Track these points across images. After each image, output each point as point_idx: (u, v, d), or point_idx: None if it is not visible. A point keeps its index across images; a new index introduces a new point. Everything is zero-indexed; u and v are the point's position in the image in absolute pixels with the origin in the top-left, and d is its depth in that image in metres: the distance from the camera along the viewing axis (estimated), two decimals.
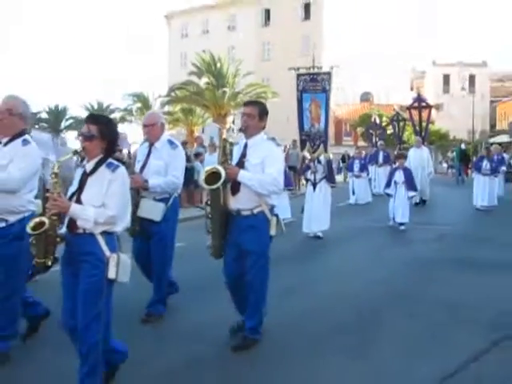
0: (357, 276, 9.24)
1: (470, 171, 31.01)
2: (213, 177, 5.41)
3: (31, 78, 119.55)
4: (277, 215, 5.75)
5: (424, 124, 25.12)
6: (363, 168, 21.75)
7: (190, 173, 17.00)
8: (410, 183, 13.92)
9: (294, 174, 23.66)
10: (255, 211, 5.59)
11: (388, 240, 13.06)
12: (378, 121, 31.65)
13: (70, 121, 54.89)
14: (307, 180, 13.18)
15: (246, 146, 5.75)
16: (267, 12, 60.66)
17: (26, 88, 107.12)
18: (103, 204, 4.33)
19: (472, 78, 62.69)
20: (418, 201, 18.16)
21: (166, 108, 44.61)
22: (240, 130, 5.82)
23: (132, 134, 19.29)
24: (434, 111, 30.62)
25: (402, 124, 30.51)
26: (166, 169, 6.55)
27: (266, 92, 37.12)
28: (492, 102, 66.39)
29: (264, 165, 5.55)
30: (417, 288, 8.44)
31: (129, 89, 65.95)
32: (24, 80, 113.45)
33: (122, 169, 4.49)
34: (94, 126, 4.46)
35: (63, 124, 54.66)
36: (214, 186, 5.40)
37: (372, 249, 11.79)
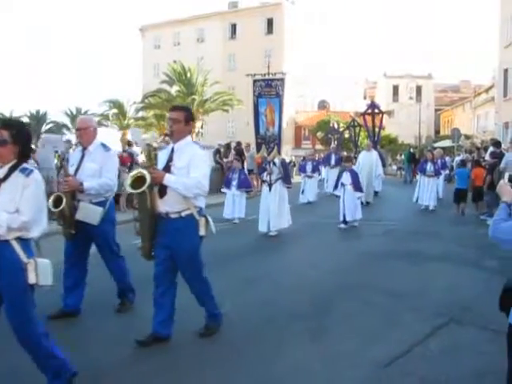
0: (312, 268, 9.26)
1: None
2: (139, 181, 5.24)
3: (14, 84, 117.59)
4: (205, 216, 5.56)
5: (377, 129, 25.14)
6: (315, 169, 21.59)
7: None
8: (356, 185, 13.60)
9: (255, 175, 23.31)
10: (183, 214, 5.40)
11: (340, 235, 13.07)
12: (336, 126, 31.57)
13: (50, 125, 54.20)
14: (263, 181, 12.84)
15: (172, 150, 5.52)
16: (233, 26, 60.85)
17: (8, 93, 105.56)
18: (17, 210, 3.99)
19: (419, 89, 63.52)
20: (362, 201, 16.86)
21: (140, 113, 44.33)
22: (165, 134, 5.61)
23: (109, 136, 18.95)
24: (385, 117, 30.74)
25: (357, 129, 30.53)
26: (100, 171, 6.29)
27: (232, 99, 37.13)
28: (436, 110, 67.28)
29: (189, 168, 5.35)
30: (367, 278, 8.49)
31: (105, 96, 65.26)
32: (6, 86, 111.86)
33: (36, 173, 4.15)
34: (5, 131, 4.09)
35: (44, 128, 53.88)
36: (139, 190, 5.23)
37: (326, 243, 11.83)
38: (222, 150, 25.24)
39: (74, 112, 52.93)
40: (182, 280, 5.68)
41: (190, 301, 5.79)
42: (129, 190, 5.36)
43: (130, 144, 18.95)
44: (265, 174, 12.60)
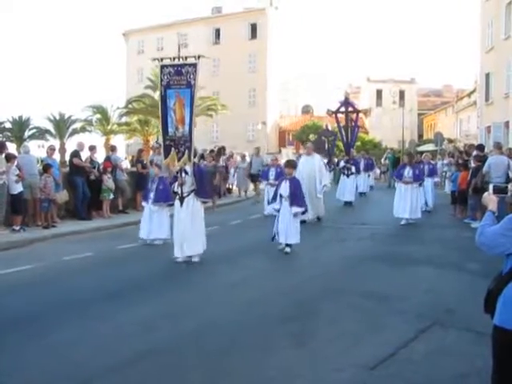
0: (296, 272, 9.30)
1: None
2: None
3: None
4: None
5: (351, 130, 23.41)
6: (278, 176, 16.66)
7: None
8: (295, 197, 10.77)
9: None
10: None
11: (324, 239, 13.04)
12: (329, 127, 28.48)
13: (33, 130, 53.59)
14: (175, 193, 10.25)
15: None
16: (217, 31, 60.95)
17: None
18: None
19: (402, 93, 63.77)
20: (309, 217, 14.28)
21: (124, 119, 44.14)
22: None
23: (92, 142, 18.82)
24: (367, 121, 29.87)
25: (331, 138, 29.44)
26: None
27: (216, 104, 37.09)
28: (419, 114, 67.61)
29: None
30: (351, 282, 8.54)
31: (89, 101, 65.01)
32: None
33: None
34: None
35: (26, 133, 53.33)
36: None
37: (309, 248, 11.75)
38: (205, 154, 25.19)
39: (58, 117, 52.45)
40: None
41: (177, 308, 5.78)
42: None
43: (113, 149, 18.80)
44: (175, 184, 10.21)
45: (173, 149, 9.98)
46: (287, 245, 10.85)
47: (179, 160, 9.93)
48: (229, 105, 38.32)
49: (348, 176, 21.37)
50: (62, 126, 52.31)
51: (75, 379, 4.82)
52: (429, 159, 20.46)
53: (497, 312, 3.47)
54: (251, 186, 24.53)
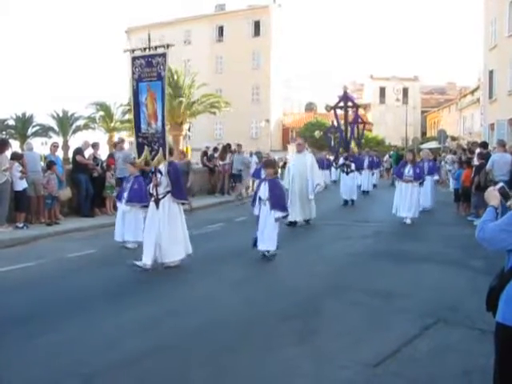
0: (300, 270, 9.29)
1: None
2: None
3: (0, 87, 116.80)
4: None
5: (350, 126, 23.04)
6: None
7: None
8: (276, 200, 9.96)
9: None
10: None
11: (327, 237, 12.99)
12: (336, 123, 26.48)
13: (37, 128, 53.72)
14: (151, 195, 9.54)
15: None
16: (220, 28, 61.03)
17: None
18: None
19: (405, 91, 63.63)
20: (290, 220, 13.66)
21: (127, 116, 44.18)
22: None
23: (96, 139, 18.80)
24: (370, 117, 29.56)
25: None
26: None
27: (219, 102, 37.03)
28: (423, 112, 67.57)
29: None
30: (355, 279, 8.53)
31: (92, 98, 64.91)
32: None
33: None
34: None
35: (30, 131, 53.45)
36: None
37: (313, 245, 11.79)
38: (209, 152, 25.10)
39: (61, 115, 52.56)
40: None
41: (181, 306, 5.78)
42: None
43: (115, 146, 18.74)
44: (150, 186, 9.53)
45: (146, 147, 9.31)
46: (266, 251, 10.04)
47: (153, 159, 9.24)
48: (232, 102, 38.25)
49: (347, 173, 20.48)
50: (65, 123, 52.44)
51: (78, 376, 4.81)
52: (428, 157, 19.68)
53: (499, 309, 3.44)
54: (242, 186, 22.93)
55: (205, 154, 24.78)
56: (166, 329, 5.87)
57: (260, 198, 10.07)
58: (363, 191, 24.27)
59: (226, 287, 8.06)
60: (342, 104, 23.20)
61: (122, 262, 9.62)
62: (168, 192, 9.38)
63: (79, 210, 15.54)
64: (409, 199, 14.78)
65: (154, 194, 9.32)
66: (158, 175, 9.31)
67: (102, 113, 48.20)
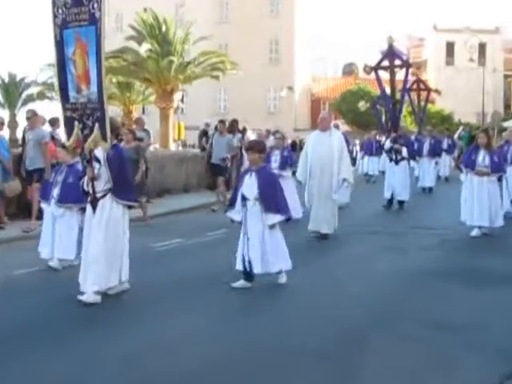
0: (338, 291, 9.31)
1: None
2: None
3: None
4: None
5: (399, 93, 22.95)
6: (285, 163, 16.23)
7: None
8: (269, 198, 9.26)
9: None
10: None
11: (375, 248, 13.00)
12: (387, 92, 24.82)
13: None
14: (86, 193, 8.93)
15: None
16: None
17: None
18: None
19: (482, 47, 63.50)
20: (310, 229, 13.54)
21: None
22: None
23: (54, 113, 17.76)
24: (432, 83, 28.83)
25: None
26: None
27: (224, 62, 36.98)
28: (506, 76, 67.29)
29: None
30: (411, 305, 8.55)
31: (48, 58, 65.03)
32: None
33: None
34: None
35: None
36: None
37: (355, 258, 11.87)
38: (209, 131, 24.91)
39: (6, 80, 52.92)
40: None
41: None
42: None
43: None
44: (85, 180, 8.92)
45: (76, 123, 8.54)
46: (276, 273, 9.55)
47: (85, 140, 8.49)
48: (241, 63, 38.16)
49: (397, 162, 19.18)
50: (12, 91, 52.69)
51: None
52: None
53: None
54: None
55: (204, 133, 24.68)
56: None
57: (244, 197, 9.38)
58: (423, 188, 24.25)
59: (238, 316, 8.09)
60: (386, 63, 22.64)
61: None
62: (108, 190, 8.79)
63: (31, 211, 15.41)
64: (485, 200, 13.66)
65: (90, 191, 8.76)
66: (95, 164, 8.69)
67: None
